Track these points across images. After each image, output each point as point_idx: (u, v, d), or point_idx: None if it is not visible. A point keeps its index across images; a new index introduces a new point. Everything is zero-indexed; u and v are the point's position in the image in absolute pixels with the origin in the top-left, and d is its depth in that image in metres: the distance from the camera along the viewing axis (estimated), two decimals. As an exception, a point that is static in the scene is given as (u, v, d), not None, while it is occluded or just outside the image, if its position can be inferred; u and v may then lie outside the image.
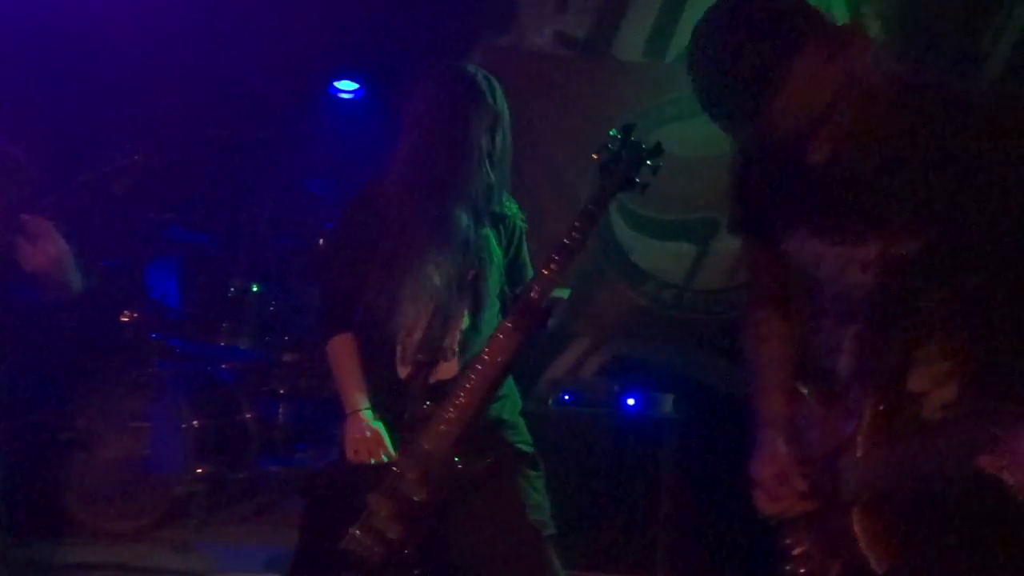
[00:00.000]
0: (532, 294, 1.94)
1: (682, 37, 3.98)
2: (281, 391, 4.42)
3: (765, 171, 1.55)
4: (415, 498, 1.94)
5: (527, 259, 2.25)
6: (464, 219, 2.04)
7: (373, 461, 1.99)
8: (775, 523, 1.68)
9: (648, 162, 1.98)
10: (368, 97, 4.76)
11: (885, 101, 1.38)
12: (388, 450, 2.00)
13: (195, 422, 3.77)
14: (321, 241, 4.21)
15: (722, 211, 3.76)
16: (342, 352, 2.12)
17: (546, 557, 2.00)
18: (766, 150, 1.47)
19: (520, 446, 2.10)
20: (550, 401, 3.53)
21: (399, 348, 2.06)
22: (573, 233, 1.94)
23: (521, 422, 2.15)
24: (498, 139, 2.08)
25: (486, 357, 1.94)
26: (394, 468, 1.97)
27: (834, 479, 1.52)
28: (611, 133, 2.01)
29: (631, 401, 3.51)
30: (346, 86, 4.82)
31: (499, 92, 2.10)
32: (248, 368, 4.37)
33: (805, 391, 1.65)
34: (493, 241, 2.12)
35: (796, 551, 1.63)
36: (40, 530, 3.26)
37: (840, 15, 3.80)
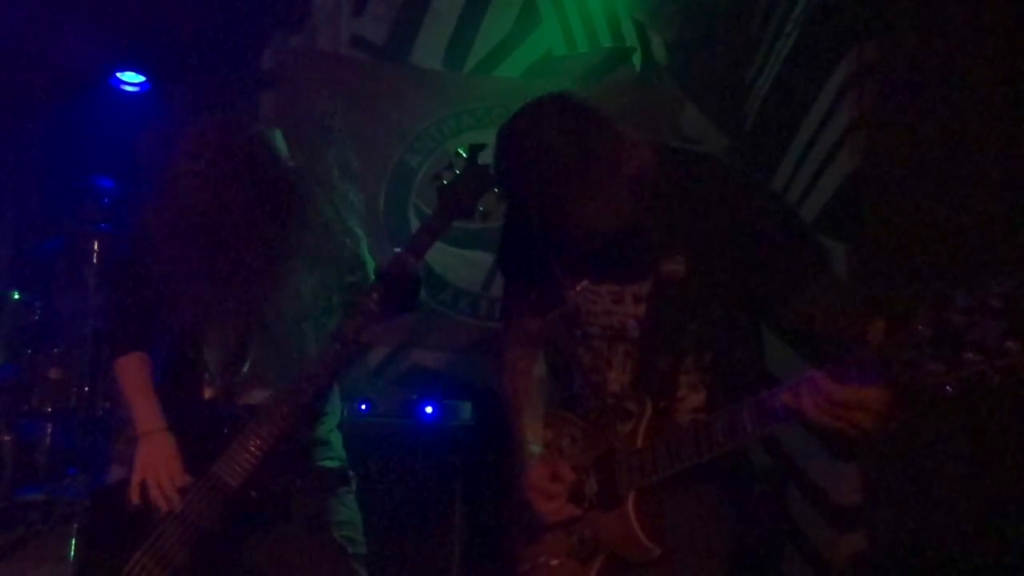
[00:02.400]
0: (349, 329, 1.85)
1: (480, 48, 4.03)
2: (48, 410, 4.02)
3: (544, 232, 1.70)
4: (205, 525, 1.82)
5: (364, 254, 2.12)
6: (268, 238, 1.91)
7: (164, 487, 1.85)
8: (528, 544, 1.81)
9: (495, 190, 1.84)
10: (155, 91, 4.48)
11: (656, 187, 1.63)
12: (181, 477, 1.86)
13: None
14: (97, 244, 3.88)
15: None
16: (133, 370, 1.97)
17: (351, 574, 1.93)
18: (548, 220, 1.62)
19: (326, 463, 2.02)
20: (346, 412, 3.44)
21: (207, 369, 1.95)
22: (403, 264, 1.86)
23: (336, 438, 2.08)
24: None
25: (299, 390, 1.84)
26: (186, 493, 1.84)
27: (606, 476, 1.68)
28: (458, 152, 1.90)
29: (428, 410, 3.48)
30: (131, 78, 4.51)
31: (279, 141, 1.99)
32: (5, 385, 3.94)
33: (565, 414, 1.85)
34: (303, 262, 1.97)
35: (554, 562, 1.76)
36: None
37: (628, 36, 4.02)
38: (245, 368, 1.93)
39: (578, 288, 1.75)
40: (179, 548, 1.81)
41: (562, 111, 1.56)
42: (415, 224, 3.98)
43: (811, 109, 3.09)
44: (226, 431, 1.86)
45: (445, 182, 1.88)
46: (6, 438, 3.72)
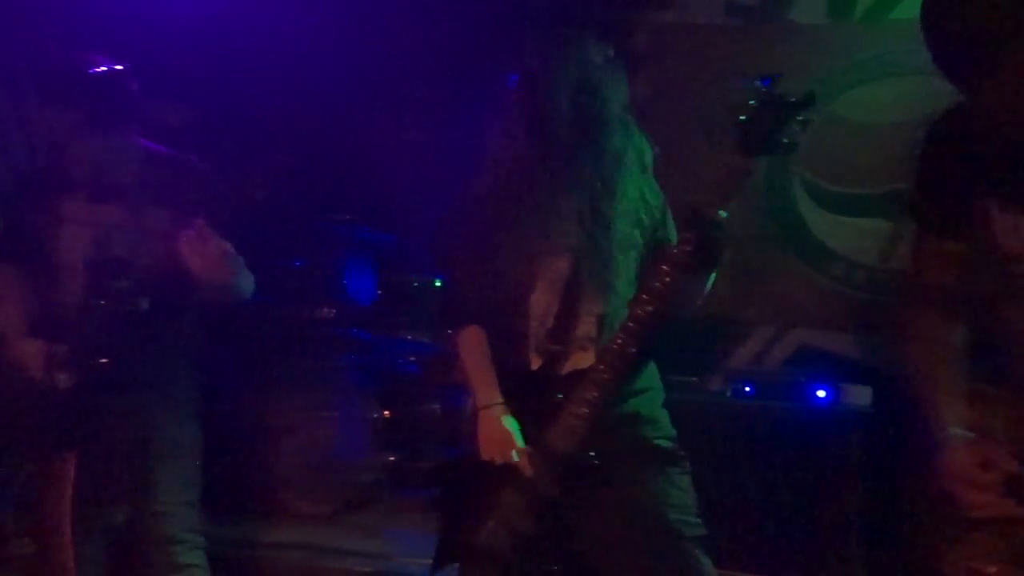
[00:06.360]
0: (661, 281, 1.80)
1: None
2: (468, 382, 4.53)
3: (976, 146, 1.44)
4: (544, 493, 1.89)
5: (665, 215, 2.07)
6: (584, 200, 1.95)
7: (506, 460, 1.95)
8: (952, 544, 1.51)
9: (798, 118, 1.68)
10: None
11: None
12: (520, 450, 1.93)
13: (378, 413, 3.94)
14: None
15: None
16: (472, 344, 2.09)
17: (688, 559, 1.87)
18: (985, 121, 1.38)
19: (659, 442, 1.98)
20: (729, 393, 3.35)
21: (531, 338, 2.01)
22: (708, 209, 1.76)
23: (663, 416, 2.04)
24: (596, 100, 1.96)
25: (616, 348, 1.83)
26: (526, 463, 1.92)
27: None
28: (755, 85, 1.72)
29: (821, 393, 3.25)
30: (520, 80, 4.84)
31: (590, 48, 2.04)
32: (435, 361, 4.52)
33: (994, 391, 1.55)
34: (622, 219, 1.98)
35: (991, 569, 1.46)
36: (239, 510, 3.54)
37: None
38: (574, 334, 1.95)
39: (1019, 227, 1.44)
40: (525, 517, 1.89)
41: None
42: (802, 197, 3.73)
43: None
44: (556, 399, 1.88)
45: (744, 116, 1.70)
46: (435, 407, 4.27)
